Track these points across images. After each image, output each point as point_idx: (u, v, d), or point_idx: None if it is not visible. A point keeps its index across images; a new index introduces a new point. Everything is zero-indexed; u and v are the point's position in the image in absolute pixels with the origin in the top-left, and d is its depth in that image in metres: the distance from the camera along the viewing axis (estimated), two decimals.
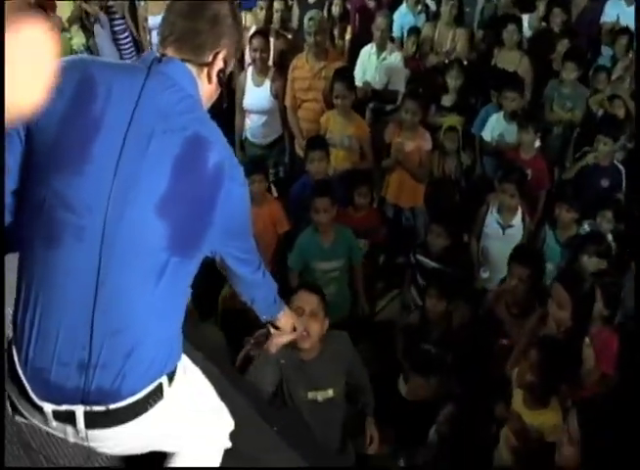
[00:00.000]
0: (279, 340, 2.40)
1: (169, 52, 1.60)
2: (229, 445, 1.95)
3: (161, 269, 1.52)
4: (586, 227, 4.38)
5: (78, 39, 6.07)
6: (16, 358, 1.54)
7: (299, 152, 5.12)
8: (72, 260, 1.48)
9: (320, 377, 2.87)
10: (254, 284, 1.94)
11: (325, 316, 2.86)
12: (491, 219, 4.43)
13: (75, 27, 6.03)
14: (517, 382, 3.15)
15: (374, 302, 4.64)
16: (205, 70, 1.62)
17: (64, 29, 6.05)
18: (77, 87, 1.48)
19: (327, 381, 2.89)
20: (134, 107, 1.49)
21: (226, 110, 4.49)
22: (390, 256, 4.84)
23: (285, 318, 2.26)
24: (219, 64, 1.64)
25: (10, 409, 1.64)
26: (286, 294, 3.89)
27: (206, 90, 1.66)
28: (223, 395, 1.96)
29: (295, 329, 2.37)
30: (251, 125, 5.35)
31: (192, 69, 1.60)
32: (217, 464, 1.93)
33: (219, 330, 3.48)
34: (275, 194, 5.13)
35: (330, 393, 2.89)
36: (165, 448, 1.81)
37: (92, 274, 1.48)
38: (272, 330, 2.34)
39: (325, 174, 4.57)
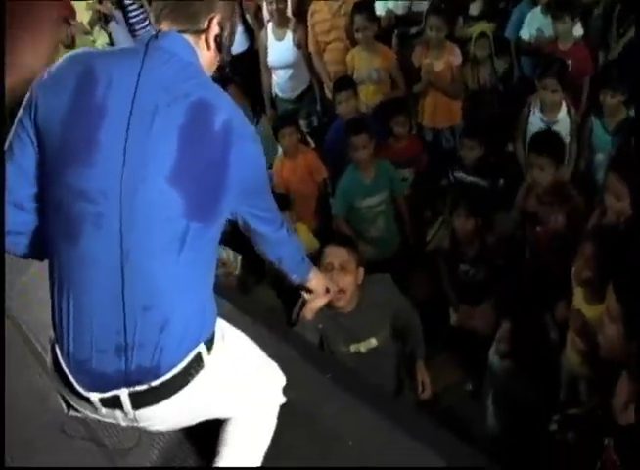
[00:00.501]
0: (314, 305, 2.39)
1: (165, 26, 1.61)
2: (283, 400, 1.96)
3: (182, 237, 1.52)
4: None
5: (101, 40, 6.25)
6: (59, 355, 1.59)
7: (330, 96, 5.05)
8: (95, 249, 1.51)
9: (360, 328, 2.81)
10: (279, 242, 1.93)
11: (357, 266, 2.79)
12: (535, 120, 4.24)
13: (97, 29, 6.21)
14: (575, 279, 3.07)
15: (424, 231, 4.60)
16: (203, 37, 1.63)
17: (87, 33, 6.23)
18: (79, 80, 1.51)
19: (368, 331, 2.82)
20: (135, 87, 1.51)
21: (227, 75, 4.51)
22: (435, 181, 4.74)
23: (316, 280, 2.24)
24: (215, 29, 1.63)
25: (64, 406, 1.71)
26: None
27: (206, 57, 1.66)
28: (273, 350, 1.97)
29: (328, 290, 2.35)
30: (278, 81, 5.33)
31: (189, 38, 1.61)
32: (274, 423, 1.94)
33: (272, 291, 3.52)
34: (312, 144, 5.12)
35: (373, 342, 2.83)
36: (218, 416, 1.83)
37: (116, 258, 1.50)
38: (306, 295, 2.34)
39: (356, 113, 4.51)
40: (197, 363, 1.60)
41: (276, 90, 5.41)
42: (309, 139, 5.16)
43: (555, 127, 4.17)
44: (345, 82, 4.64)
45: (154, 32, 1.61)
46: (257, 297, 3.66)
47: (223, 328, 1.74)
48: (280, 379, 1.96)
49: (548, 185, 3.50)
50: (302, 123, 5.24)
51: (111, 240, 1.50)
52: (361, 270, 2.80)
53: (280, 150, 4.45)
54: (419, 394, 3.00)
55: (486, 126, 4.44)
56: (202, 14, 1.61)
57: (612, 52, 5.04)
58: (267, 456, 1.92)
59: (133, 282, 1.52)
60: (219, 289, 1.75)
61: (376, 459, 2.04)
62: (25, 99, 1.54)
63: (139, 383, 1.55)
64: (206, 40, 1.63)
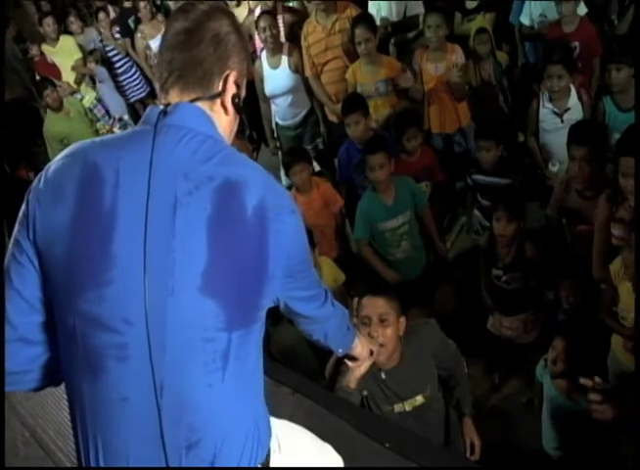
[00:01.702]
0: (358, 372, 2.24)
1: (173, 97, 1.39)
2: None
3: (225, 351, 1.30)
4: None
5: (90, 95, 6.24)
6: None
7: (333, 119, 4.94)
8: (123, 386, 1.28)
9: (404, 387, 2.58)
10: (325, 318, 1.72)
11: (398, 317, 2.53)
12: (545, 112, 4.06)
13: (84, 85, 6.19)
14: (623, 274, 2.83)
15: (444, 239, 4.44)
16: (218, 101, 1.42)
17: (73, 92, 6.23)
18: (81, 183, 1.29)
19: (412, 388, 2.59)
20: (148, 179, 1.28)
21: None
22: (451, 187, 4.57)
23: (360, 347, 2.06)
24: (232, 89, 1.43)
25: None
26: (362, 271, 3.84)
27: (225, 123, 1.45)
28: (322, 420, 1.86)
29: (372, 353, 2.17)
30: (278, 110, 5.20)
31: (203, 106, 1.39)
32: None
33: (291, 328, 3.38)
34: (317, 168, 4.99)
35: (418, 399, 2.59)
36: None
37: (149, 393, 1.27)
38: (349, 364, 2.17)
39: (367, 133, 4.33)
40: None
41: (277, 119, 5.28)
42: (315, 163, 5.01)
43: (567, 116, 3.97)
44: (353, 104, 4.41)
45: (162, 107, 1.38)
46: (281, 336, 3.50)
47: (276, 432, 1.51)
48: (337, 462, 1.80)
49: (588, 179, 3.30)
50: (307, 148, 5.09)
51: (140, 373, 1.27)
52: (403, 320, 2.55)
53: (284, 180, 4.30)
54: (466, 455, 2.73)
55: (498, 124, 4.25)
56: (214, 75, 1.40)
57: (619, 26, 4.81)
58: None
59: (172, 417, 1.28)
60: None
61: None
62: (20, 212, 1.32)
63: None
64: (223, 104, 1.42)
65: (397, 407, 2.59)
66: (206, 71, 1.39)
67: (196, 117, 1.37)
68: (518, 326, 3.59)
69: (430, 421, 2.64)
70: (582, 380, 2.26)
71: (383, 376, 2.55)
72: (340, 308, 1.79)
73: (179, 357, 1.27)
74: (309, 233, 3.61)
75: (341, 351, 1.95)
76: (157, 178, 1.28)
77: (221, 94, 1.41)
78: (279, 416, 1.64)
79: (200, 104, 1.39)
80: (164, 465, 1.29)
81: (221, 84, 1.41)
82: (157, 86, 1.50)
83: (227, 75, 1.41)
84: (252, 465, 1.38)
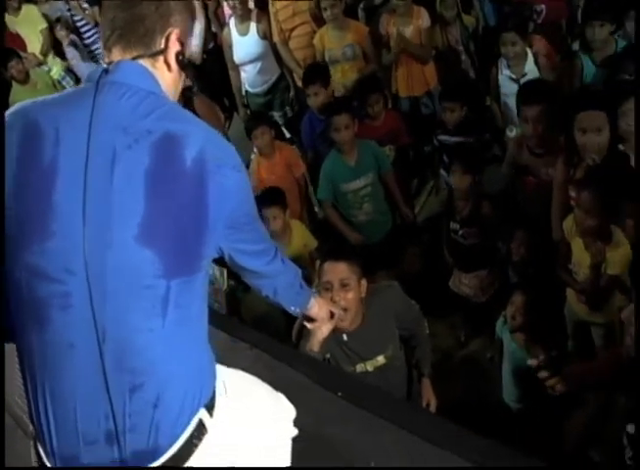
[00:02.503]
0: (320, 335, 2.26)
1: (116, 55, 1.41)
2: (295, 432, 1.81)
3: (164, 299, 1.33)
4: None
5: (57, 67, 6.13)
6: (42, 454, 1.41)
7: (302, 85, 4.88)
8: (67, 333, 1.32)
9: (365, 347, 2.62)
10: (274, 274, 1.73)
11: (359, 279, 2.57)
12: (503, 78, 4.08)
13: (51, 57, 6.08)
14: (574, 231, 2.93)
15: (412, 203, 4.49)
16: (161, 58, 1.43)
17: (40, 64, 6.13)
18: (22, 142, 1.33)
19: (374, 349, 2.63)
20: (88, 134, 1.30)
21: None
22: (419, 149, 4.62)
23: (318, 307, 2.08)
24: (175, 46, 1.43)
25: None
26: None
27: (168, 80, 1.46)
28: (279, 373, 1.88)
29: (332, 315, 2.19)
30: (247, 77, 5.18)
31: (145, 63, 1.40)
32: (288, 457, 1.78)
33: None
34: (288, 135, 5.00)
35: (380, 360, 2.64)
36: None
37: (92, 339, 1.31)
38: (308, 325, 2.19)
39: (330, 100, 4.35)
40: (199, 431, 1.42)
41: (246, 86, 5.26)
42: (285, 130, 5.03)
43: (524, 81, 3.94)
44: (314, 74, 4.44)
45: (104, 66, 1.40)
46: (252, 303, 3.53)
47: (223, 377, 1.55)
48: (289, 412, 1.82)
49: (540, 137, 3.34)
50: (277, 115, 5.13)
51: (83, 320, 1.31)
52: (364, 282, 2.60)
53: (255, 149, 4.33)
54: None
55: (464, 86, 4.32)
56: (156, 33, 1.41)
57: None
58: None
59: (114, 361, 1.33)
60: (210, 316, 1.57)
61: None
62: None
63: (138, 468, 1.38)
64: (166, 61, 1.44)
65: (359, 367, 2.64)
66: (148, 29, 1.40)
67: (137, 74, 1.39)
68: (475, 284, 3.69)
69: (391, 380, 2.69)
70: (530, 361, 2.36)
71: (344, 338, 2.59)
72: (291, 266, 1.82)
73: (120, 304, 1.31)
74: (281, 194, 3.69)
75: (293, 308, 1.98)
76: (96, 134, 1.31)
77: (164, 51, 1.43)
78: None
79: (142, 61, 1.40)
80: (109, 408, 1.33)
81: (163, 42, 1.42)
82: (100, 45, 1.52)
83: (169, 33, 1.42)
84: (196, 406, 1.42)
